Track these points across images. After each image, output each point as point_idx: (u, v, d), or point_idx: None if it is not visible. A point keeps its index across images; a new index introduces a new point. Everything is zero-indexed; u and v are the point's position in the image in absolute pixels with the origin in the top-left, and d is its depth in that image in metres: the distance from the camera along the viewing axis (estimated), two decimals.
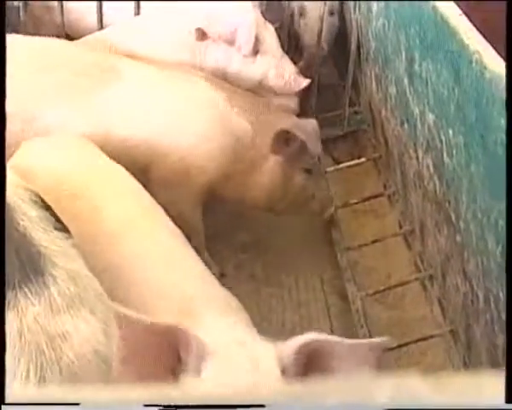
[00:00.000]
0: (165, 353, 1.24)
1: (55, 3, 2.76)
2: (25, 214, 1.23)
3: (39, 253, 1.20)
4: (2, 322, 1.51)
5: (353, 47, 2.78)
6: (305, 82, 2.52)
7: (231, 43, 2.46)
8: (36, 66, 2.09)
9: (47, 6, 2.81)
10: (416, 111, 2.15)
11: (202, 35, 2.45)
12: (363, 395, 0.52)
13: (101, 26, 2.75)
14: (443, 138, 1.96)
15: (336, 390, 0.53)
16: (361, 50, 2.75)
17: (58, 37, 2.49)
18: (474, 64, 1.67)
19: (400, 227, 2.49)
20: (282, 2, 2.92)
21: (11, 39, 1.94)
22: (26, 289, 1.17)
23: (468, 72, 1.72)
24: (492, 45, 1.64)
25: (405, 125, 2.29)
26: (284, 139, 2.19)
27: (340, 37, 2.98)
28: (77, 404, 0.59)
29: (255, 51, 2.47)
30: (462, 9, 1.83)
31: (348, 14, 2.88)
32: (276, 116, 2.26)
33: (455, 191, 1.93)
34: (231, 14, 2.48)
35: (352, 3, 2.78)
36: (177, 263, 1.61)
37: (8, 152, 1.47)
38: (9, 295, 1.17)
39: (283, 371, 1.23)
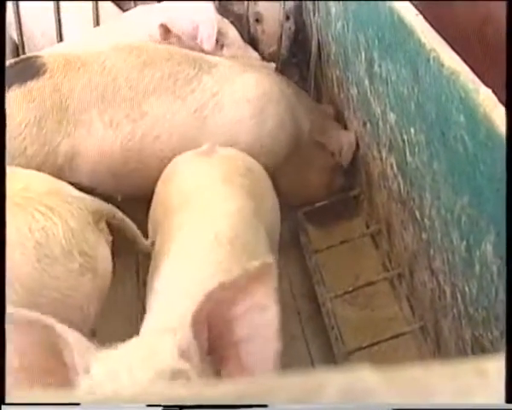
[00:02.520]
0: (49, 353, 1.20)
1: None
2: None
3: None
4: (2, 322, 1.51)
5: (314, 50, 2.79)
6: (272, 65, 2.59)
7: (194, 39, 2.47)
8: (137, 62, 2.20)
9: None
10: (378, 111, 2.17)
11: (166, 32, 2.46)
12: (313, 391, 0.52)
13: (60, 39, 2.74)
14: (405, 137, 1.98)
15: (286, 387, 0.53)
16: (321, 53, 2.76)
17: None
18: (431, 62, 1.69)
19: (367, 227, 2.51)
20: (236, 7, 2.93)
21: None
22: None
23: (426, 70, 1.74)
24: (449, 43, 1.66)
25: (368, 126, 2.31)
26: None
27: (300, 40, 3.00)
28: (77, 404, 0.59)
29: (221, 45, 2.52)
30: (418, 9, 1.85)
31: (308, 18, 2.90)
32: (328, 122, 2.50)
33: (419, 189, 1.95)
34: (192, 12, 2.51)
35: (310, 6, 2.79)
36: None
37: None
38: None
39: (183, 355, 1.19)
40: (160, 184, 2.00)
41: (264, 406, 0.55)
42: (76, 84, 2.13)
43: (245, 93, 2.26)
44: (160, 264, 1.68)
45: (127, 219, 1.77)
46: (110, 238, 1.72)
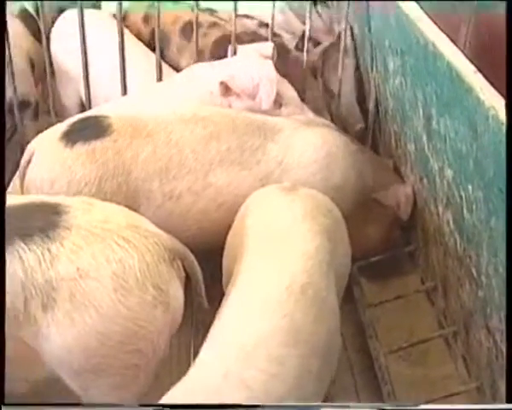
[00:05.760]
0: None
1: None
2: None
3: None
4: (2, 323, 1.55)
5: (372, 105, 2.82)
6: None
7: (253, 97, 2.52)
8: (203, 134, 2.24)
9: None
10: (436, 167, 2.17)
11: (226, 89, 2.51)
12: None
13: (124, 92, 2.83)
14: (462, 194, 1.97)
15: None
16: (379, 108, 2.78)
17: None
18: (490, 120, 1.69)
19: (423, 283, 2.48)
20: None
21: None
22: None
23: (485, 127, 1.73)
24: None
25: (425, 181, 2.31)
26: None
27: (359, 95, 3.03)
28: (77, 404, 0.60)
29: (279, 104, 2.55)
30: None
31: (366, 73, 2.93)
32: (388, 176, 2.53)
33: (476, 246, 1.93)
34: (251, 70, 2.55)
35: (368, 62, 2.82)
36: None
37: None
38: None
39: None
40: (238, 217, 2.03)
41: (257, 406, 0.55)
42: (140, 152, 2.17)
43: (310, 155, 2.30)
44: (223, 309, 1.70)
45: (197, 265, 1.82)
46: (183, 275, 1.76)
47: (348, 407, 1.74)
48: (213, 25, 3.14)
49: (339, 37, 2.89)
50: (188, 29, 3.09)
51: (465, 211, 1.97)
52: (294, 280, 1.69)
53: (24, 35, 3.10)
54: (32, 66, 3.07)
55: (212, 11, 3.29)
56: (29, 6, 3.22)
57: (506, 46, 1.35)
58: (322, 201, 2.02)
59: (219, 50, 2.93)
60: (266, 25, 3.14)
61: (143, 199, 2.17)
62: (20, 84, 2.89)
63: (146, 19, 3.25)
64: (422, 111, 2.21)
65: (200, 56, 2.92)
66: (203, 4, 3.16)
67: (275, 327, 1.58)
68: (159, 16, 2.79)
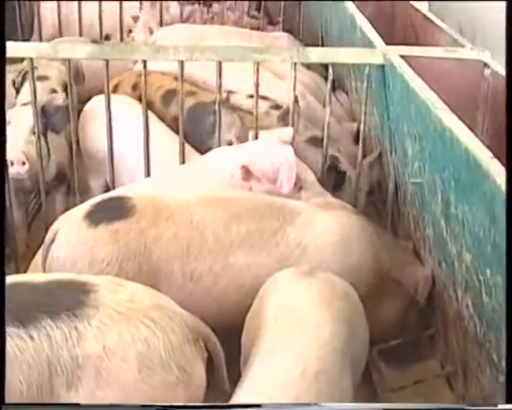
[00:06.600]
0: None
1: None
2: None
3: None
4: (2, 323, 1.56)
5: (391, 188, 2.85)
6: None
7: (274, 181, 2.56)
8: (224, 216, 2.29)
9: None
10: (454, 251, 2.18)
11: (247, 173, 2.55)
12: None
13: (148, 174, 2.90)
14: (481, 278, 1.97)
15: None
16: (398, 192, 2.81)
17: None
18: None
19: (442, 368, 2.46)
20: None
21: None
22: None
23: (502, 212, 1.75)
24: None
25: (443, 265, 2.31)
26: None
27: (378, 179, 3.07)
28: (77, 404, 0.61)
29: (299, 188, 2.60)
30: None
31: (385, 157, 2.97)
32: (407, 257, 2.53)
33: (495, 331, 1.92)
34: (272, 154, 2.60)
35: (388, 146, 2.87)
36: None
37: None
38: None
39: None
40: (257, 299, 2.05)
41: (258, 406, 0.55)
42: (162, 233, 2.21)
43: (327, 238, 2.34)
44: (238, 392, 1.71)
45: (219, 346, 1.84)
46: (206, 355, 1.79)
47: (347, 407, 1.73)
48: (191, 93, 3.29)
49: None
50: (168, 96, 3.32)
51: (484, 295, 1.97)
52: (308, 366, 1.71)
53: None
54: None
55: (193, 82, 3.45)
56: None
57: (506, 46, 1.36)
58: (339, 285, 2.04)
59: (193, 117, 3.12)
60: (279, 106, 3.24)
61: (164, 280, 2.19)
62: (58, 155, 3.03)
63: (134, 86, 3.49)
64: (441, 196, 2.24)
65: (174, 123, 3.07)
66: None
67: None
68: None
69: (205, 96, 3.26)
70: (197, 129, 3.10)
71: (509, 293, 1.55)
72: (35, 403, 1.59)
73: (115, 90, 3.52)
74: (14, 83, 3.52)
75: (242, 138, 2.95)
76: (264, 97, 3.13)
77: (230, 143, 2.95)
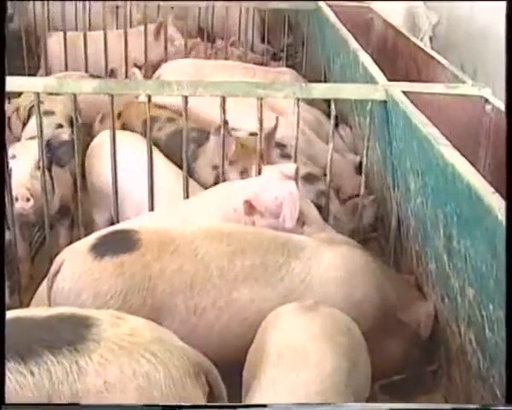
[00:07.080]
0: None
1: None
2: None
3: None
4: (2, 323, 1.55)
5: (393, 224, 2.86)
6: None
7: (277, 216, 2.57)
8: (228, 250, 2.29)
9: None
10: (456, 286, 2.18)
11: (250, 208, 2.56)
12: None
13: (151, 208, 2.91)
14: (484, 313, 1.98)
15: None
16: (401, 227, 2.82)
17: None
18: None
19: (446, 403, 2.44)
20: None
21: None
22: None
23: (503, 247, 1.76)
24: None
25: (446, 300, 2.31)
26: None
27: (381, 214, 3.08)
28: (77, 404, 0.61)
29: (302, 222, 2.61)
30: None
31: (388, 192, 2.99)
32: (410, 293, 2.52)
33: (499, 366, 1.92)
34: (275, 188, 2.62)
35: (390, 182, 2.89)
36: None
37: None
38: None
39: None
40: (259, 333, 2.05)
41: (264, 406, 0.55)
42: (167, 266, 2.22)
43: (332, 272, 2.34)
44: None
45: (220, 380, 1.84)
46: (207, 389, 1.78)
47: (353, 407, 1.72)
48: (170, 120, 3.37)
49: None
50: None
51: (487, 330, 1.97)
52: (309, 400, 1.70)
53: None
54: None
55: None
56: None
57: (506, 46, 1.37)
58: (342, 320, 2.05)
59: (172, 144, 3.19)
60: (283, 145, 3.26)
61: (168, 313, 2.20)
62: (62, 189, 3.05)
63: (119, 115, 3.53)
64: (443, 231, 2.25)
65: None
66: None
67: None
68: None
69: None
70: (176, 155, 3.09)
71: (509, 293, 1.55)
72: (35, 403, 1.58)
73: (102, 119, 3.62)
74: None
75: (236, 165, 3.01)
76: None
77: (217, 167, 3.00)
